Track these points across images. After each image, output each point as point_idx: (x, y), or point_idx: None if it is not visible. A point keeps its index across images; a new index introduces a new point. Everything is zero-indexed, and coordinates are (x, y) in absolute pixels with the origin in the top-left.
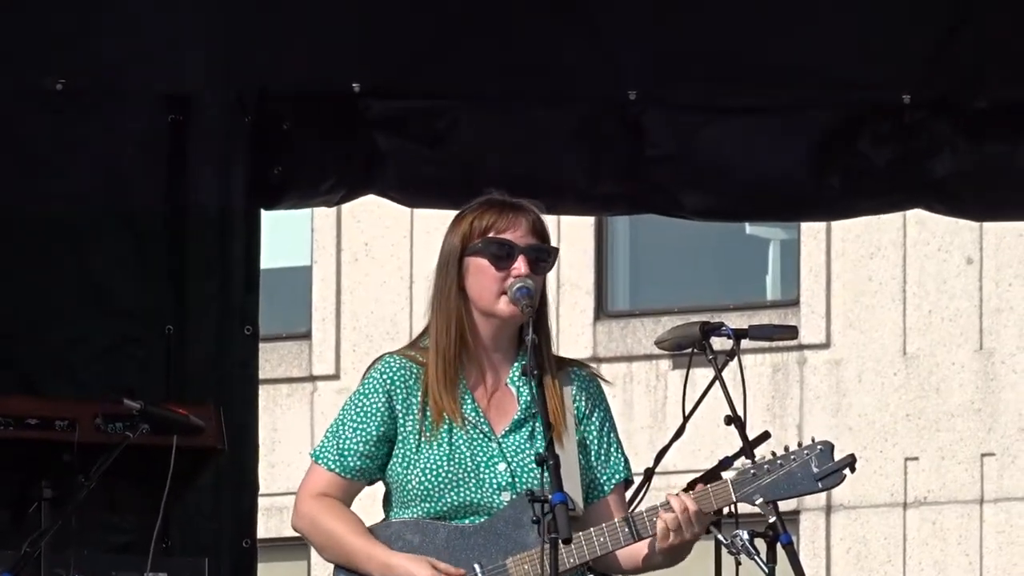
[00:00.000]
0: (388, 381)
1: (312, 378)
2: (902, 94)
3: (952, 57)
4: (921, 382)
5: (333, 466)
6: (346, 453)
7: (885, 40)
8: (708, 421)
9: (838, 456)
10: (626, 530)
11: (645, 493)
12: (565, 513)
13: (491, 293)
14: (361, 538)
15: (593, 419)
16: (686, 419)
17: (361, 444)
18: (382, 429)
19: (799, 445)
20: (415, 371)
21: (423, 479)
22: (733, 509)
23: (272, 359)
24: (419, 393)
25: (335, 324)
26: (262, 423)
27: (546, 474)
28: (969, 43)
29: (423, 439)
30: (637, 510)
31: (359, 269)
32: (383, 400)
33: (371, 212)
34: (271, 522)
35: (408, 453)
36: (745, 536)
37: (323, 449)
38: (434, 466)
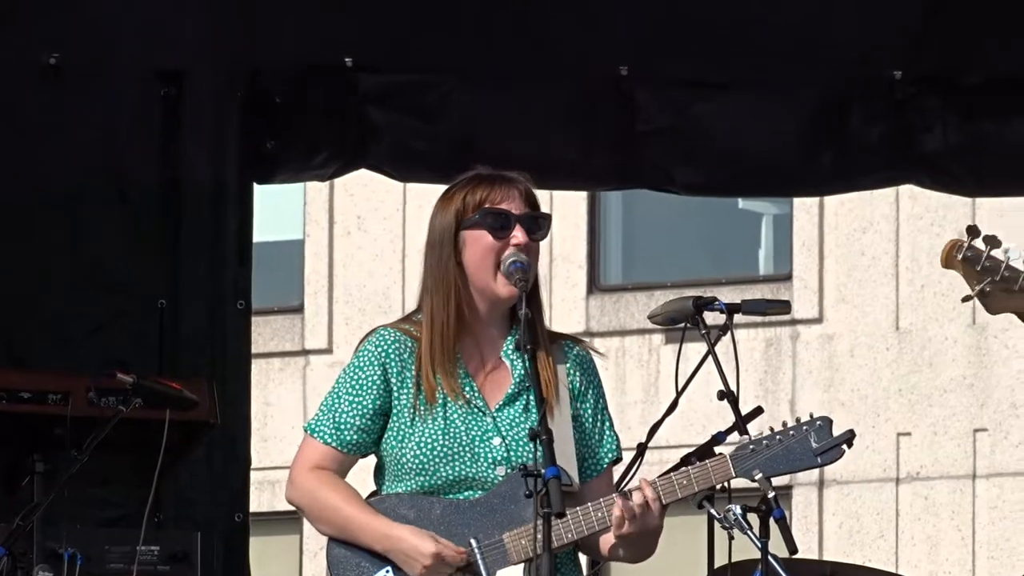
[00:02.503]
0: (383, 354)
1: (305, 352)
2: (893, 70)
3: (943, 33)
4: (914, 357)
5: (329, 439)
6: (342, 427)
7: (876, 16)
8: (701, 396)
9: (836, 432)
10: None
11: (638, 468)
12: (558, 488)
13: (490, 264)
14: (360, 510)
15: (588, 397)
16: (679, 394)
17: (357, 418)
18: (378, 402)
19: (797, 420)
20: (410, 344)
21: (417, 453)
22: (726, 484)
23: (264, 333)
24: (413, 367)
25: (327, 298)
26: (254, 397)
27: (539, 449)
28: (959, 19)
29: (417, 413)
30: (632, 485)
31: (351, 243)
32: (378, 373)
33: (364, 186)
34: (263, 496)
35: (403, 427)
36: (738, 511)
37: (318, 422)
38: (429, 440)
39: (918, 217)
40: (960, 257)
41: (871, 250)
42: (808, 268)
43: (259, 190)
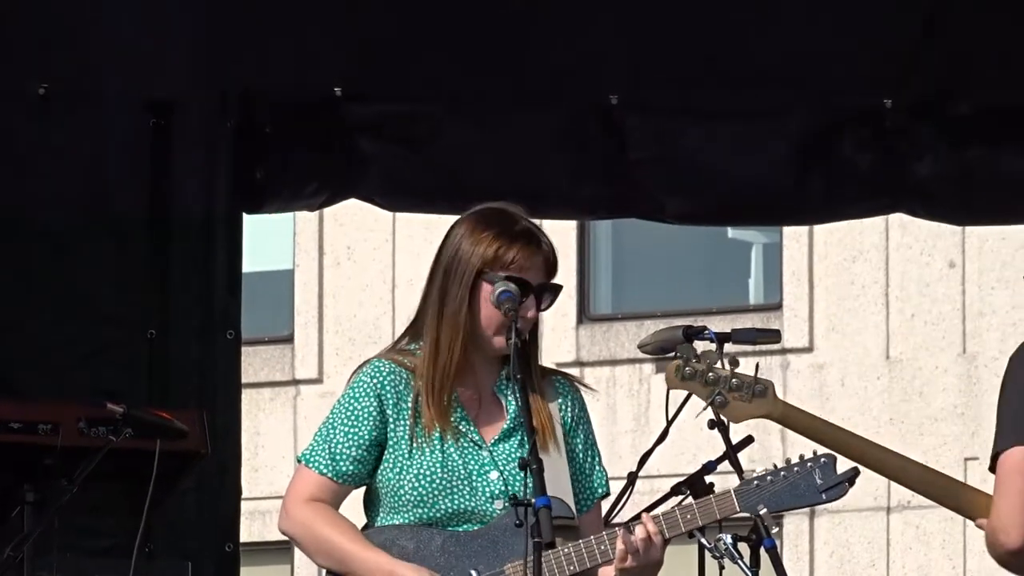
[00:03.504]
0: (379, 385)
1: (295, 382)
2: (884, 99)
3: (933, 61)
4: (904, 386)
5: (325, 470)
6: (338, 457)
7: (866, 44)
8: (691, 425)
9: (840, 469)
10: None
11: (628, 497)
12: (549, 517)
13: (495, 324)
14: (359, 545)
15: (579, 432)
16: (669, 423)
17: (353, 449)
18: (374, 434)
19: (801, 457)
20: (404, 376)
21: (416, 485)
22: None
23: (255, 363)
24: (409, 399)
25: (317, 328)
26: (244, 427)
27: (533, 479)
28: (949, 47)
29: (415, 445)
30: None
31: (341, 273)
32: (375, 404)
33: (353, 216)
34: (254, 526)
35: (400, 459)
36: (728, 540)
37: (314, 453)
38: (428, 473)
39: (907, 246)
40: (680, 378)
41: (861, 279)
42: (798, 297)
43: (248, 220)
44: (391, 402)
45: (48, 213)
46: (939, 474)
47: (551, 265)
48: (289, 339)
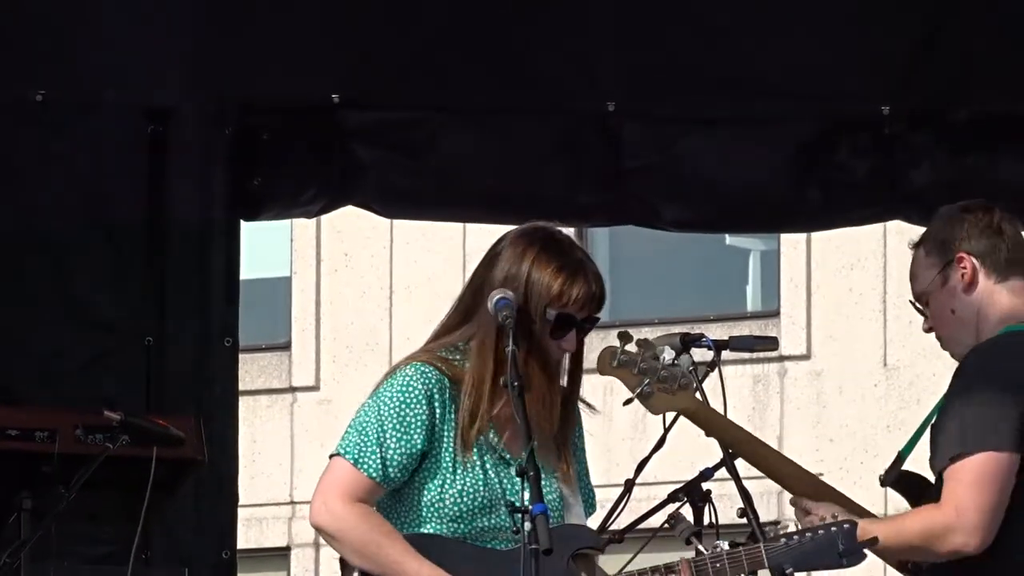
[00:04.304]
0: (429, 393)
1: (292, 389)
2: (881, 106)
3: (931, 68)
4: (901, 393)
5: (375, 474)
6: (388, 463)
7: (864, 52)
8: (688, 432)
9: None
10: None
11: (625, 505)
12: (546, 524)
13: (558, 354)
14: (411, 555)
15: (579, 452)
16: (667, 430)
17: (405, 456)
18: (425, 443)
19: (822, 519)
20: (448, 385)
21: (459, 500)
22: (713, 520)
23: (252, 370)
24: (453, 410)
25: (315, 335)
26: (241, 434)
27: (554, 489)
28: (947, 54)
29: (458, 459)
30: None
31: (339, 280)
32: (427, 412)
33: (351, 223)
34: (251, 533)
35: (445, 472)
36: (725, 547)
37: (363, 453)
38: (471, 490)
39: (905, 253)
40: (615, 364)
41: (859, 287)
42: (796, 305)
43: (246, 227)
44: (439, 412)
45: (46, 220)
46: (828, 486)
47: (600, 300)
48: (287, 346)
